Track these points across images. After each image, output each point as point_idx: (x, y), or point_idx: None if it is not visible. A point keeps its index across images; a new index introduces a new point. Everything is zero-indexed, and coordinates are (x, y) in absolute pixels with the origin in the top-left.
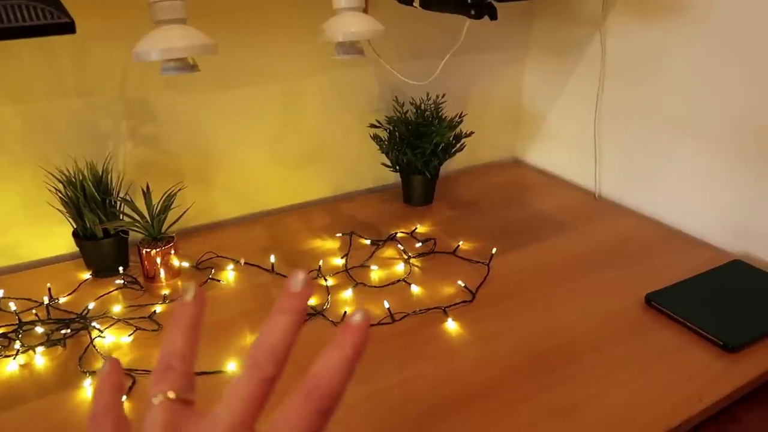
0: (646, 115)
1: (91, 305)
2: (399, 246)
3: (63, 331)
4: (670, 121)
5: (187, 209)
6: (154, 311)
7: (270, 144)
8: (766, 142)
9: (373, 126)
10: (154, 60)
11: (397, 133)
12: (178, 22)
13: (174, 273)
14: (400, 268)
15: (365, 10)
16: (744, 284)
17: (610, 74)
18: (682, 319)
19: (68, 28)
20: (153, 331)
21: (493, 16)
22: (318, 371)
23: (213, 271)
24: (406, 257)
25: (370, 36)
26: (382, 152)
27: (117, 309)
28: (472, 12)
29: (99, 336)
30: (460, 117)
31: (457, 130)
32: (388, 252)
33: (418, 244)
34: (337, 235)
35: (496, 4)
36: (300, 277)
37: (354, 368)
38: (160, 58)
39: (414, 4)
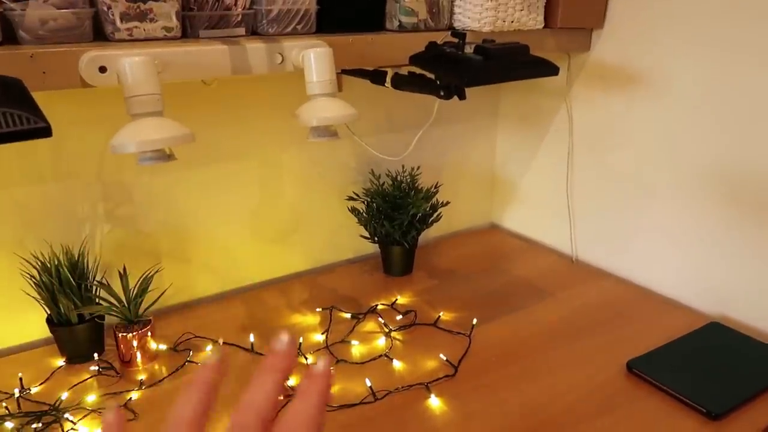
0: (617, 180)
1: (65, 395)
2: (380, 319)
3: (34, 426)
4: (640, 185)
5: (164, 291)
6: (130, 398)
7: (247, 219)
8: (734, 205)
9: (351, 198)
10: (131, 153)
11: (374, 205)
12: (154, 115)
13: (151, 356)
14: (381, 342)
15: (339, 88)
16: (723, 347)
17: (579, 141)
18: (664, 387)
19: (45, 132)
20: (129, 420)
21: (462, 96)
22: (287, 421)
23: (191, 353)
24: (387, 330)
25: (343, 120)
26: (361, 224)
27: (91, 398)
28: (442, 93)
29: (72, 429)
30: (435, 187)
31: (434, 200)
32: (369, 325)
33: (399, 317)
34: (317, 309)
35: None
36: (284, 338)
37: (321, 416)
38: (137, 151)
39: (386, 84)
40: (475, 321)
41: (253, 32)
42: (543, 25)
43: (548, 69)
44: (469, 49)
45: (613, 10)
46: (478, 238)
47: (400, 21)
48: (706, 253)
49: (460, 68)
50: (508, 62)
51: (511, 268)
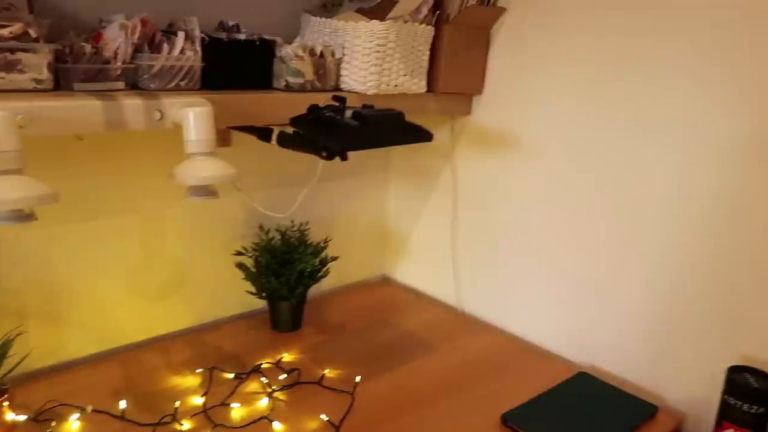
0: (498, 235)
1: None
2: (263, 379)
3: None
4: (518, 240)
5: (25, 357)
6: None
7: (127, 275)
8: (602, 262)
9: (238, 253)
10: None
11: (262, 261)
12: (12, 173)
13: (7, 429)
14: (263, 402)
15: (228, 143)
16: (589, 397)
17: (462, 198)
18: None
19: None
20: None
21: (344, 157)
22: None
23: (54, 423)
24: (269, 391)
25: (222, 180)
26: (248, 280)
27: None
28: (324, 153)
29: None
30: (324, 242)
31: (323, 255)
32: (252, 386)
33: (283, 376)
34: (198, 370)
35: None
36: None
37: None
38: None
39: (271, 141)
40: (358, 378)
41: (134, 86)
42: (426, 89)
43: (422, 135)
44: (349, 113)
45: (491, 78)
46: (370, 291)
47: (287, 81)
48: (577, 305)
49: (336, 133)
50: (383, 128)
51: (399, 322)
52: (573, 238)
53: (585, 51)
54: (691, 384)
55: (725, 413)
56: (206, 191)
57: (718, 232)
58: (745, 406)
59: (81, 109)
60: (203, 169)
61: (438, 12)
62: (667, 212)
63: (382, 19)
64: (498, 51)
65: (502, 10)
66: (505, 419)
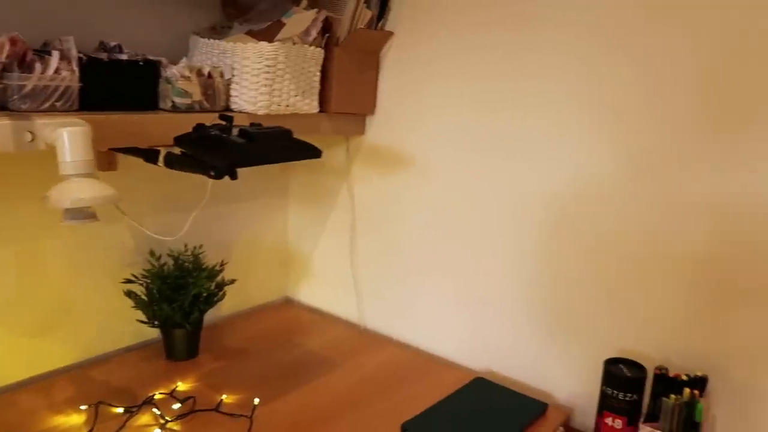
0: (397, 252)
1: None
2: (155, 410)
3: None
4: (414, 257)
5: None
6: None
7: (1, 311)
8: (486, 273)
9: (127, 281)
10: None
11: (153, 287)
12: None
13: None
14: None
15: (114, 167)
16: (484, 400)
17: (360, 217)
18: None
19: None
20: None
21: (233, 176)
22: None
23: None
24: (162, 422)
25: (100, 202)
26: (138, 308)
27: None
28: (212, 173)
29: None
30: (221, 265)
31: (219, 278)
32: (144, 418)
33: (177, 405)
34: (82, 407)
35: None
36: None
37: None
38: None
39: (159, 163)
40: (257, 401)
41: (2, 108)
42: (318, 109)
43: (311, 152)
44: (236, 131)
45: (383, 98)
46: (272, 314)
47: (173, 102)
48: (472, 315)
49: (222, 150)
50: (271, 145)
51: (302, 342)
52: (464, 251)
53: (469, 68)
54: (577, 380)
55: (604, 403)
56: (84, 214)
57: (592, 246)
58: (621, 395)
59: None
60: (79, 190)
61: (327, 35)
62: (544, 223)
63: (270, 40)
64: (388, 72)
65: (390, 34)
66: (405, 429)
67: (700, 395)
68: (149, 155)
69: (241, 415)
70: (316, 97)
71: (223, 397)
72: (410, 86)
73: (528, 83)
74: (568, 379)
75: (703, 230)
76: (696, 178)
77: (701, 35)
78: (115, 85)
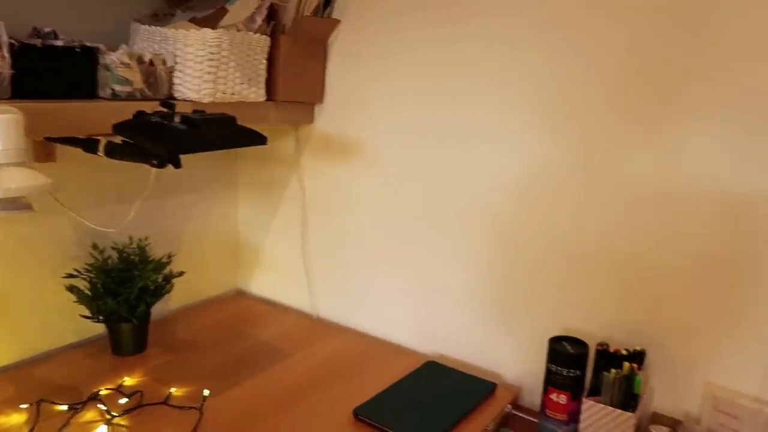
0: (349, 240)
1: None
2: (100, 406)
3: None
4: (365, 245)
5: None
6: None
7: None
8: (436, 259)
9: (69, 276)
10: None
11: (97, 282)
12: None
13: None
14: (101, 430)
15: (53, 158)
16: (435, 383)
17: (311, 207)
18: (384, 428)
19: None
20: None
21: (177, 164)
22: None
23: None
24: (108, 418)
25: (34, 191)
26: (81, 303)
27: None
28: (155, 161)
29: None
30: (168, 258)
31: (166, 270)
32: (89, 415)
33: (124, 400)
34: (22, 406)
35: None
36: None
37: None
38: None
39: (99, 153)
40: (207, 392)
41: None
42: (265, 98)
43: (256, 139)
44: (178, 119)
45: (331, 87)
46: (223, 306)
47: (113, 89)
48: (424, 300)
49: (164, 137)
50: (214, 132)
51: (254, 333)
52: (415, 239)
53: (415, 61)
54: (525, 360)
55: (549, 379)
56: (17, 204)
57: (539, 231)
58: (564, 371)
59: None
60: (10, 179)
61: (273, 22)
62: (492, 211)
63: (214, 27)
64: (336, 61)
65: (336, 21)
66: (357, 413)
67: (639, 368)
68: (89, 145)
69: (191, 407)
70: (263, 86)
71: (172, 390)
72: (358, 74)
73: (467, 77)
74: (517, 361)
75: (637, 212)
76: (629, 161)
77: (629, 19)
78: (50, 72)
